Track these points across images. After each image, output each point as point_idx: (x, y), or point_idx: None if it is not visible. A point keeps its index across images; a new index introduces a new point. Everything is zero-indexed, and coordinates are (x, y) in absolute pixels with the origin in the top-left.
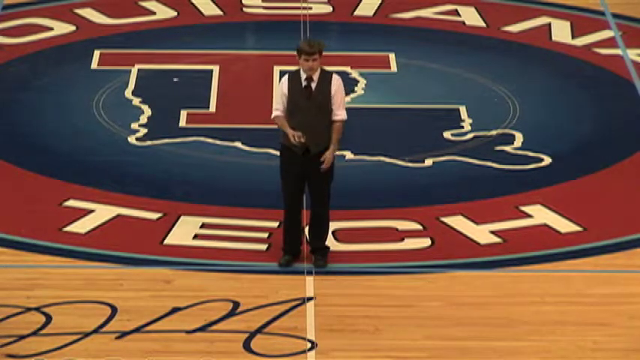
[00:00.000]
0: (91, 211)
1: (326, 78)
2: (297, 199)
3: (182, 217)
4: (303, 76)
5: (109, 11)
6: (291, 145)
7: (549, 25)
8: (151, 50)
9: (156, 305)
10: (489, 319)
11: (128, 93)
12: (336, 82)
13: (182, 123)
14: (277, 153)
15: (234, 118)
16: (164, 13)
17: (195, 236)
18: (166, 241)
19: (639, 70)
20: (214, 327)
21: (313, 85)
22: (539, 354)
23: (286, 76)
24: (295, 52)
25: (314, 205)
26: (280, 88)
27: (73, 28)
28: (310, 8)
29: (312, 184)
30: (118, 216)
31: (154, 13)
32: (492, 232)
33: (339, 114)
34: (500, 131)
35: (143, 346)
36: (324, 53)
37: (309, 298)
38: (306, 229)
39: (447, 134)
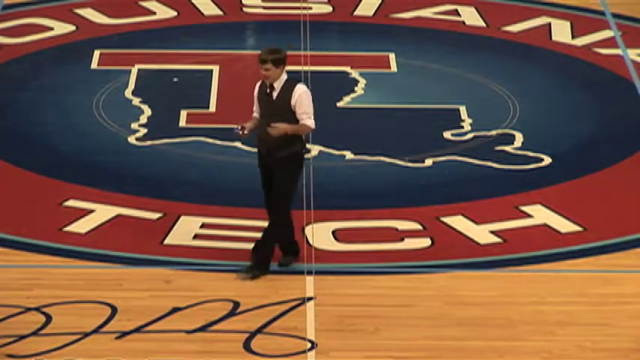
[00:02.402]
0: (91, 211)
1: (288, 89)
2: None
3: (182, 217)
4: (267, 82)
5: (109, 11)
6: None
7: (549, 25)
8: (151, 50)
9: (156, 305)
10: (489, 319)
11: (128, 93)
12: (298, 94)
13: (182, 123)
14: None
15: (234, 118)
16: (164, 13)
17: (195, 236)
18: (166, 241)
19: (639, 70)
20: (214, 327)
21: (274, 94)
22: (539, 354)
23: (261, 80)
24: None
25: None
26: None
27: (73, 28)
28: (310, 8)
29: (273, 187)
30: (118, 216)
31: (154, 13)
32: (492, 232)
33: (307, 122)
34: (500, 131)
35: (143, 346)
36: (324, 53)
37: (309, 298)
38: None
39: (447, 134)
